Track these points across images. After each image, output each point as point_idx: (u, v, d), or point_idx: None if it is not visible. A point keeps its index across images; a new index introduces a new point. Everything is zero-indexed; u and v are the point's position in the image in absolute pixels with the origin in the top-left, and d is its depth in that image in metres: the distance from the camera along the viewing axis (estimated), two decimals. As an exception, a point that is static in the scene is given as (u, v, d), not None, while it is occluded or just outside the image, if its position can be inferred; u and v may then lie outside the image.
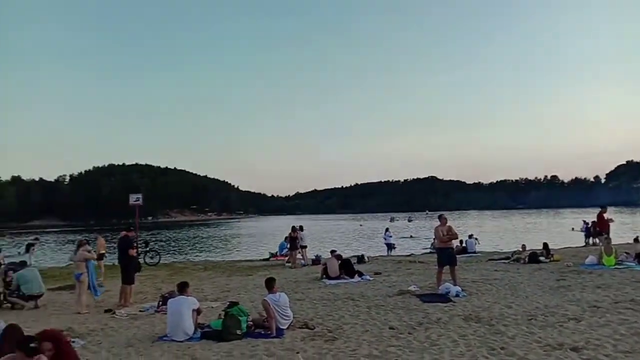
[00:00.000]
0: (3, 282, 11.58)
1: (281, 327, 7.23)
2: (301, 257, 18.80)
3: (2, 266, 13.53)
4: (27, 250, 14.05)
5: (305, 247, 19.01)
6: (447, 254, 10.82)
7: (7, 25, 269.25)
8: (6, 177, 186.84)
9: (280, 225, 68.82)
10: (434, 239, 14.55)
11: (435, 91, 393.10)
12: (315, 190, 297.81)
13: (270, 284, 7.72)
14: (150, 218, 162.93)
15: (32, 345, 4.25)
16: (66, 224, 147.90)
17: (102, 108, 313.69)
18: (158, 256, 21.05)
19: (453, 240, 11.24)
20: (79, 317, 9.37)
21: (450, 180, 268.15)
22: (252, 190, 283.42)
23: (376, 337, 6.68)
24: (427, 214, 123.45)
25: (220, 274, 16.58)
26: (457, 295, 9.53)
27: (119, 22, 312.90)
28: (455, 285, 10.20)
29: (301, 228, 19.09)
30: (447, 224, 10.89)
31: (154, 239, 43.54)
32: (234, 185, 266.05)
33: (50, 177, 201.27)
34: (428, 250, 24.84)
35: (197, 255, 31.48)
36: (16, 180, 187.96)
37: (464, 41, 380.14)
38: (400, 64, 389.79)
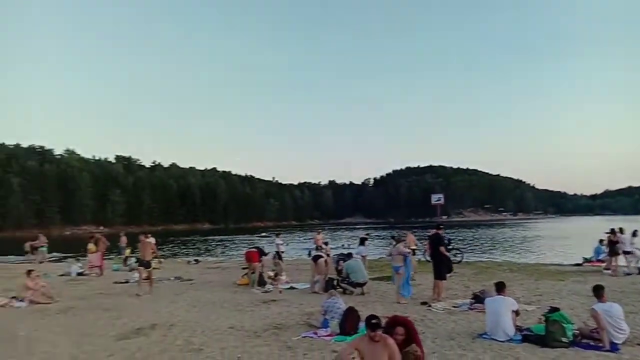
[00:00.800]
0: (336, 270, 13.75)
1: (615, 341, 6.46)
2: (624, 264, 16.28)
3: (334, 256, 15.98)
4: (362, 243, 16.24)
5: (629, 252, 16.37)
6: None
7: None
8: (324, 181, 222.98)
9: (587, 227, 61.13)
10: None
11: None
12: (631, 187, 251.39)
13: (599, 291, 7.00)
14: (444, 217, 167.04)
15: (373, 321, 4.94)
16: (371, 221, 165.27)
17: (399, 115, 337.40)
18: (461, 254, 21.42)
19: None
20: (399, 306, 10.32)
21: None
22: (550, 189, 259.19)
23: None
24: None
25: (527, 277, 15.77)
26: None
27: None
28: None
29: (621, 230, 16.55)
30: None
31: (453, 238, 44.40)
32: (528, 184, 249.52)
33: (358, 181, 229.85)
34: None
35: (498, 255, 30.68)
36: (332, 184, 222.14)
37: None
38: None
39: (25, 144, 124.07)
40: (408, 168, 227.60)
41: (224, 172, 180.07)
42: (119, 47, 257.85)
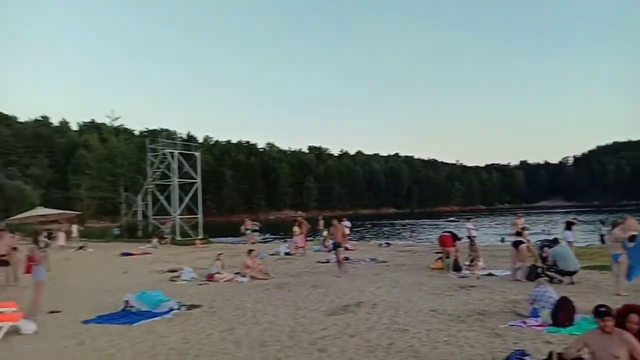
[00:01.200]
0: (540, 257, 12.84)
1: None
2: None
3: (537, 242, 14.93)
4: (568, 228, 14.95)
5: None
6: None
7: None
8: (515, 162, 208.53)
9: None
10: None
11: None
12: None
13: None
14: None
15: (602, 309, 4.51)
16: (571, 204, 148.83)
17: (600, 85, 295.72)
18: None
19: None
20: (618, 298, 9.20)
21: None
22: None
23: None
24: None
25: None
26: None
27: None
28: None
29: None
30: None
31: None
32: None
33: (555, 160, 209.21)
34: None
35: None
36: (524, 164, 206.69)
37: None
38: None
39: (234, 140, 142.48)
40: (616, 143, 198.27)
41: (406, 157, 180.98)
42: (302, 47, 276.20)
